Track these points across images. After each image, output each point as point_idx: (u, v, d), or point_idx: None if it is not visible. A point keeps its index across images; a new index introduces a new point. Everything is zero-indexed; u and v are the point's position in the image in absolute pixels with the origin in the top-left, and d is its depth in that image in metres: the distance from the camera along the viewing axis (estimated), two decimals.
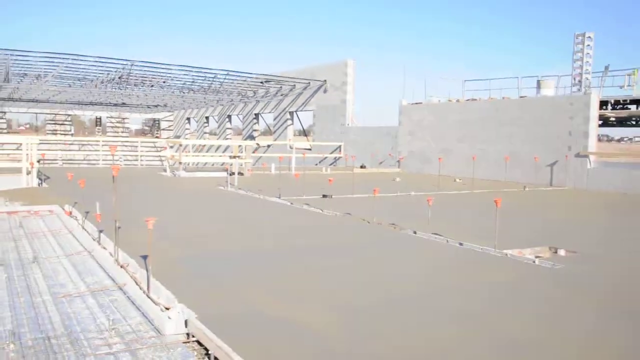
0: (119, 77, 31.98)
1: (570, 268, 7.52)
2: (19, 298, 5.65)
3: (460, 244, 8.83)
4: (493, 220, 8.72)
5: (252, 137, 39.53)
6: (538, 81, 24.27)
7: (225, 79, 32.79)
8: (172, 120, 54.10)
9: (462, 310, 5.59)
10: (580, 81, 22.93)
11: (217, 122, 46.46)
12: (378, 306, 5.73)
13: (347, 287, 6.43)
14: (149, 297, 5.41)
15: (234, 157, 23.31)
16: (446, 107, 26.79)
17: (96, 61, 28.47)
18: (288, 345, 4.59)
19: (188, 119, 51.03)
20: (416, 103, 28.44)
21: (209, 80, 33.38)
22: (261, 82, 35.15)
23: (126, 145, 40.59)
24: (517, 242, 9.08)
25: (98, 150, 34.84)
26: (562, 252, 8.85)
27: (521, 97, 24.18)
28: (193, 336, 4.64)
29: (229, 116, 43.73)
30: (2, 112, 46.73)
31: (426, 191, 17.30)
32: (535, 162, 22.00)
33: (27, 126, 69.70)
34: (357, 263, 7.77)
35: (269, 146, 34.97)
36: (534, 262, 7.79)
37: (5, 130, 48.00)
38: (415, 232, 9.79)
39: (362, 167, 27.69)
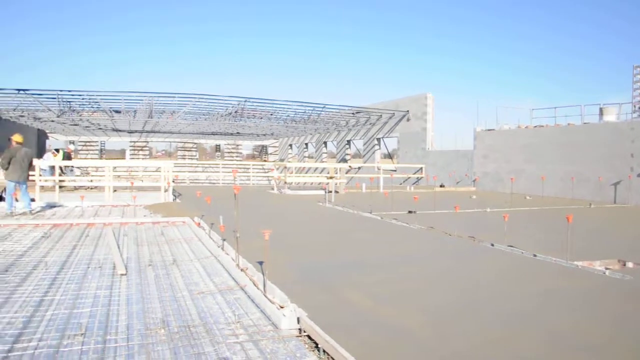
0: (235, 112, 33.12)
1: (639, 279, 7.08)
2: (164, 293, 5.94)
3: (534, 256, 8.48)
4: (564, 234, 8.34)
5: (344, 160, 39.71)
6: (600, 108, 23.16)
7: (322, 111, 33.24)
8: (277, 146, 55.28)
9: (537, 314, 5.38)
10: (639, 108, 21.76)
11: (314, 147, 47.03)
12: (461, 308, 5.61)
13: (435, 292, 6.34)
14: (266, 297, 5.54)
15: (331, 177, 23.50)
16: (516, 133, 25.94)
17: (217, 99, 29.69)
18: (385, 340, 4.59)
19: (290, 145, 51.99)
20: (489, 129, 27.71)
21: (308, 113, 33.95)
22: (352, 114, 35.38)
23: (240, 168, 41.83)
24: (587, 255, 8.62)
25: (218, 172, 36.11)
26: (630, 265, 8.32)
27: (585, 123, 23.09)
28: (304, 331, 4.71)
29: (325, 142, 44.18)
30: (146, 141, 49.50)
31: (500, 208, 16.76)
32: (600, 182, 20.87)
33: (163, 152, 73.17)
34: (442, 271, 7.64)
35: (359, 168, 35.03)
36: (604, 273, 7.37)
37: (148, 156, 50.87)
38: (492, 245, 9.49)
39: (441, 186, 27.19)
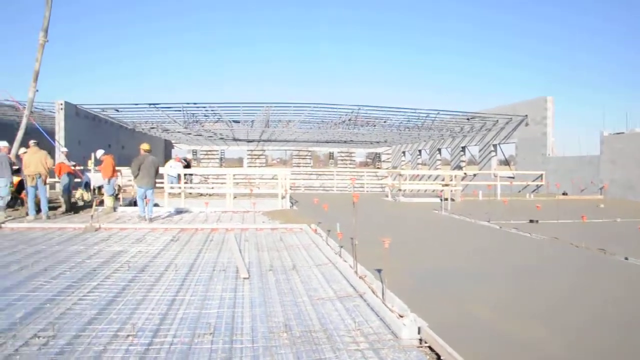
0: (349, 119, 33.47)
1: None
2: (285, 297, 6.12)
3: None
4: None
5: (459, 167, 38.64)
6: None
7: (436, 117, 32.63)
8: (390, 154, 55.04)
9: None
10: None
11: (428, 154, 46.23)
12: (591, 327, 5.23)
13: (561, 307, 5.97)
14: (385, 305, 5.52)
15: (446, 185, 22.99)
16: None
17: (331, 107, 30.19)
18: (511, 356, 4.39)
19: (403, 152, 51.52)
20: (618, 133, 25.61)
21: (422, 119, 33.46)
22: (467, 119, 34.36)
23: (353, 175, 42.19)
24: None
25: (332, 179, 36.68)
26: None
27: None
28: (425, 342, 4.64)
29: (439, 149, 43.28)
30: (262, 150, 51.55)
31: (632, 218, 15.41)
32: None
33: (278, 160, 75.61)
34: (568, 285, 7.18)
35: (474, 175, 33.91)
36: None
37: (264, 164, 52.94)
38: (626, 259, 8.76)
39: (563, 194, 25.57)
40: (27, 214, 13.45)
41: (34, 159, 13.45)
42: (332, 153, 55.51)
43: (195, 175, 37.61)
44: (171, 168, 20.58)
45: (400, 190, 24.32)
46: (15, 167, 14.58)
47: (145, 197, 13.55)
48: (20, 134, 15.70)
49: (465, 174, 33.07)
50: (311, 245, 9.85)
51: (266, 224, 12.68)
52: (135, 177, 13.57)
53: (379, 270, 6.69)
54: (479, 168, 35.88)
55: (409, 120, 34.73)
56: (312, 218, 12.56)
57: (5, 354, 4.28)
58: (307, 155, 52.99)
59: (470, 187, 29.45)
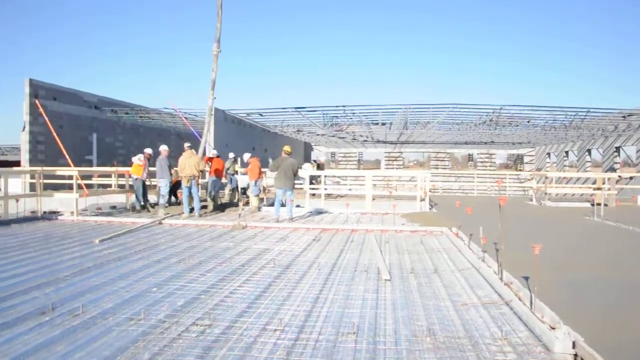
0: (490, 120, 32.13)
1: None
2: (428, 301, 6.01)
3: None
4: None
5: (612, 170, 35.34)
6: None
7: (585, 116, 30.14)
8: (533, 155, 51.95)
9: None
10: None
11: (576, 155, 42.94)
12: None
13: None
14: (534, 315, 5.21)
15: (598, 188, 21.19)
16: None
17: (471, 108, 29.19)
18: None
19: (548, 153, 48.33)
20: None
21: (569, 118, 31.10)
22: (623, 117, 31.28)
23: (493, 178, 40.47)
24: None
25: (472, 182, 35.48)
26: None
27: None
28: (581, 358, 4.29)
29: (589, 150, 39.99)
30: (400, 151, 51.38)
31: None
32: None
33: (415, 162, 74.86)
34: None
35: (631, 178, 30.80)
36: None
37: (401, 166, 52.73)
38: None
39: None
40: (182, 212, 14.66)
41: (189, 163, 14.61)
42: (471, 155, 53.70)
43: (333, 176, 38.50)
44: (304, 170, 21.24)
45: (546, 193, 22.88)
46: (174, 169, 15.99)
47: (285, 198, 14.12)
48: (204, 140, 17.17)
49: (619, 176, 30.21)
50: (452, 249, 9.60)
51: (406, 226, 12.60)
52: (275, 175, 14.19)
53: (526, 278, 6.33)
54: (637, 170, 32.55)
55: (555, 120, 32.46)
56: (453, 221, 12.23)
57: (170, 337, 4.69)
58: (445, 157, 51.83)
59: (627, 191, 26.83)
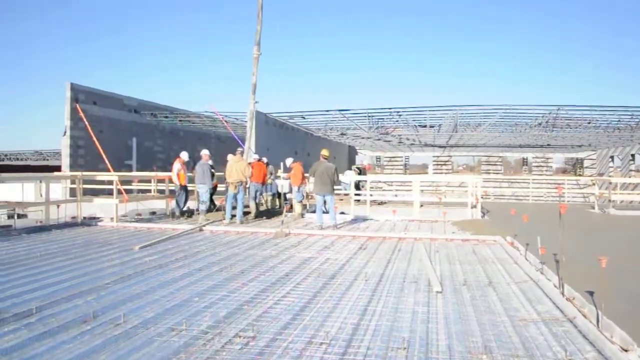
0: (546, 122, 31.36)
1: None
2: (482, 316, 5.86)
3: None
4: None
5: None
6: None
7: None
8: (594, 159, 50.40)
9: None
10: None
11: None
12: None
13: None
14: (602, 334, 5.01)
15: None
16: None
17: (525, 109, 28.57)
18: None
19: (611, 157, 46.80)
20: None
21: (636, 118, 30.04)
22: None
23: (550, 183, 39.47)
24: None
25: (527, 187, 34.67)
26: None
27: None
28: None
29: None
30: (449, 155, 50.73)
31: None
32: None
33: (464, 167, 73.76)
34: None
35: None
36: None
37: (450, 171, 52.03)
38: None
39: None
40: (223, 218, 14.82)
41: (236, 167, 14.75)
42: (526, 158, 52.53)
43: (378, 182, 38.30)
44: (345, 176, 21.16)
45: (610, 201, 22.14)
46: (215, 173, 16.20)
47: (327, 204, 14.12)
48: (247, 145, 17.41)
49: None
50: (508, 260, 9.37)
51: (457, 235, 12.41)
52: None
53: (591, 293, 6.11)
54: None
55: (619, 121, 31.41)
56: (507, 230, 11.96)
57: (213, 349, 4.72)
58: (497, 161, 50.85)
59: None
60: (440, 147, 46.42)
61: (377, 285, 7.28)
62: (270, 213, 17.18)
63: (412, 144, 44.20)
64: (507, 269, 8.56)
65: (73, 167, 25.56)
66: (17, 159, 60.76)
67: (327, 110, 29.60)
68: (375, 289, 7.06)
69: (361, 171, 24.87)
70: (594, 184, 28.90)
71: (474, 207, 17.00)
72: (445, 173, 50.61)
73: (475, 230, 12.95)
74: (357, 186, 20.85)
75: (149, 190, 22.35)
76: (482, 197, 18.54)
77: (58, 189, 23.89)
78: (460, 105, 27.77)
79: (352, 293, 6.84)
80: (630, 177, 41.40)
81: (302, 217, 16.60)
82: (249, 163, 17.11)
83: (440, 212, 16.64)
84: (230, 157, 16.46)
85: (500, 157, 50.79)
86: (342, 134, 37.66)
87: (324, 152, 14.45)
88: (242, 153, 15.46)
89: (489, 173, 49.05)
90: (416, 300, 6.48)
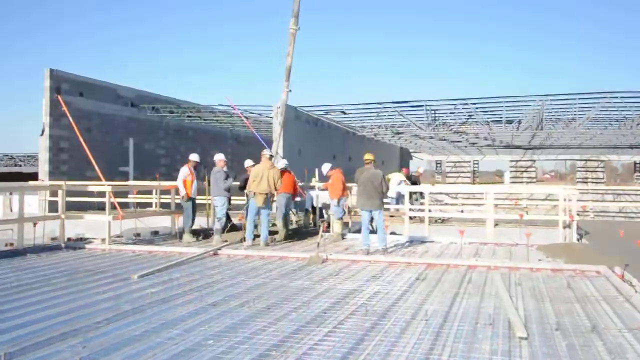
0: None
1: None
2: None
3: None
4: None
5: None
6: None
7: None
8: None
9: None
10: None
11: None
12: None
13: None
14: None
15: None
16: None
17: (638, 97, 27.87)
18: None
19: None
20: None
21: None
22: None
23: None
24: None
25: None
26: None
27: None
28: None
29: None
30: (531, 159, 49.98)
31: None
32: None
33: (553, 174, 72.71)
34: None
35: None
36: None
37: (533, 179, 51.10)
38: None
39: None
40: (243, 239, 14.87)
41: (267, 175, 14.79)
42: (638, 163, 51.45)
43: (439, 193, 38.04)
44: (392, 183, 20.92)
45: None
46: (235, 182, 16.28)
47: (375, 222, 14.02)
48: (275, 145, 17.59)
49: None
50: (617, 298, 9.14)
51: (545, 263, 12.22)
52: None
53: None
54: None
55: None
56: (614, 258, 11.71)
57: None
58: (597, 167, 49.92)
59: None
60: (520, 148, 45.81)
61: (440, 328, 7.19)
62: (303, 233, 17.21)
63: (487, 145, 43.71)
64: (617, 310, 8.34)
65: (53, 174, 25.98)
66: None
67: (378, 103, 29.41)
68: (439, 332, 6.97)
69: (411, 178, 24.58)
70: None
71: (567, 226, 16.70)
72: (527, 182, 49.96)
73: (570, 258, 12.72)
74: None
75: (150, 205, 22.63)
76: (578, 214, 18.17)
77: (34, 202, 24.30)
78: (547, 95, 27.23)
79: (408, 336, 6.77)
80: None
81: (343, 238, 16.58)
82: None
83: (522, 233, 16.39)
84: (248, 162, 16.51)
85: (602, 161, 49.84)
86: (396, 133, 37.40)
87: (368, 155, 14.29)
88: (271, 157, 15.49)
89: (587, 182, 48.20)
90: (493, 349, 6.37)
